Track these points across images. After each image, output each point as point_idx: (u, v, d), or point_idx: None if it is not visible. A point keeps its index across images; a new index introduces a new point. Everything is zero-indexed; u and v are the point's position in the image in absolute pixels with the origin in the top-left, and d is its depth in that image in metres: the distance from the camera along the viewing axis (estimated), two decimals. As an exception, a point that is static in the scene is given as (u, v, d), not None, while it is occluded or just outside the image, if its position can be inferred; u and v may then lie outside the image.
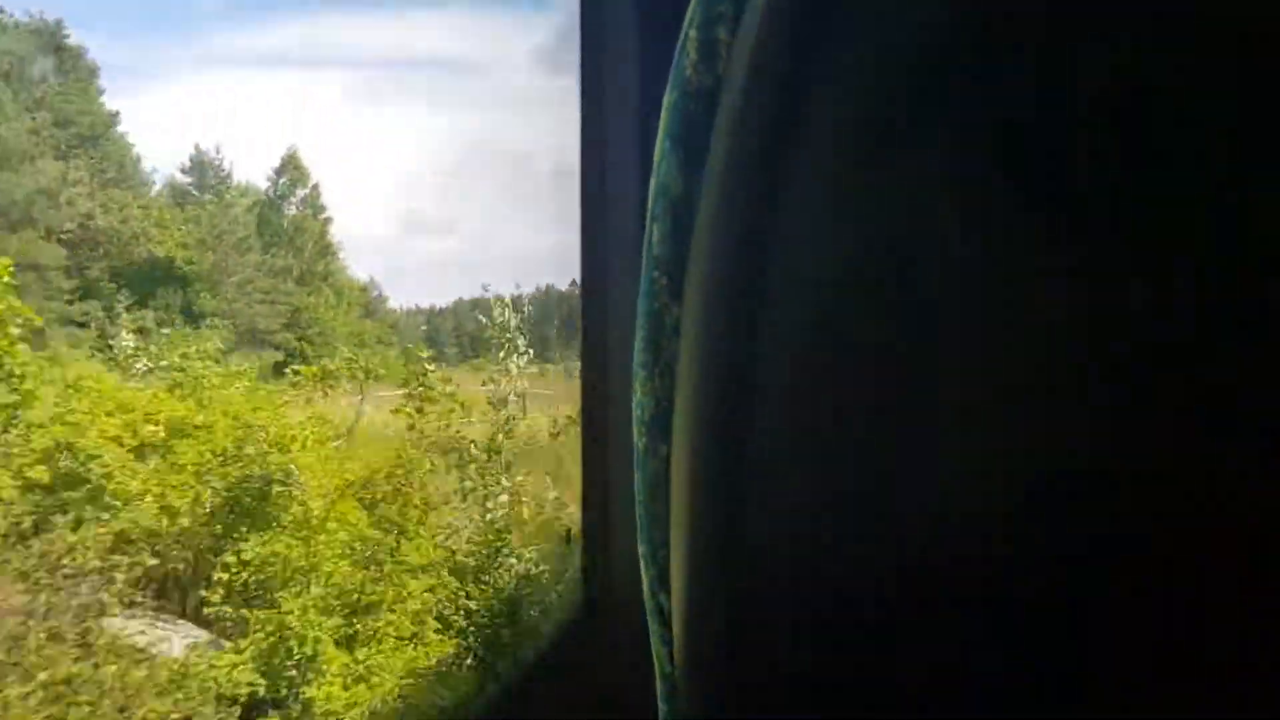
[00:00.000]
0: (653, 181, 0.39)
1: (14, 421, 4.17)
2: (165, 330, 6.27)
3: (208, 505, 4.62)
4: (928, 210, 0.30)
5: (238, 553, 4.51)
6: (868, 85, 0.31)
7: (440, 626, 4.59)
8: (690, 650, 0.37)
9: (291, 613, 4.32)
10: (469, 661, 4.41)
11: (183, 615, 4.58)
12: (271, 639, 4.28)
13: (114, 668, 3.62)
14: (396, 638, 4.50)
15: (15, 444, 4.14)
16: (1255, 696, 0.28)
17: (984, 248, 0.29)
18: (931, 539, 0.30)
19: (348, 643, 4.48)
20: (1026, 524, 0.29)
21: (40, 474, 4.11)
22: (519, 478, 5.60)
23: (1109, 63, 0.28)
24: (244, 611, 4.41)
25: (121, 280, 6.57)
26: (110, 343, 5.88)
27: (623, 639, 1.39)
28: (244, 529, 4.60)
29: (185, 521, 4.52)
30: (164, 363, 5.56)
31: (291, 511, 4.67)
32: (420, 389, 5.62)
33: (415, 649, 4.49)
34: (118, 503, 4.29)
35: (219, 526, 4.63)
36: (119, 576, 3.92)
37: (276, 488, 4.69)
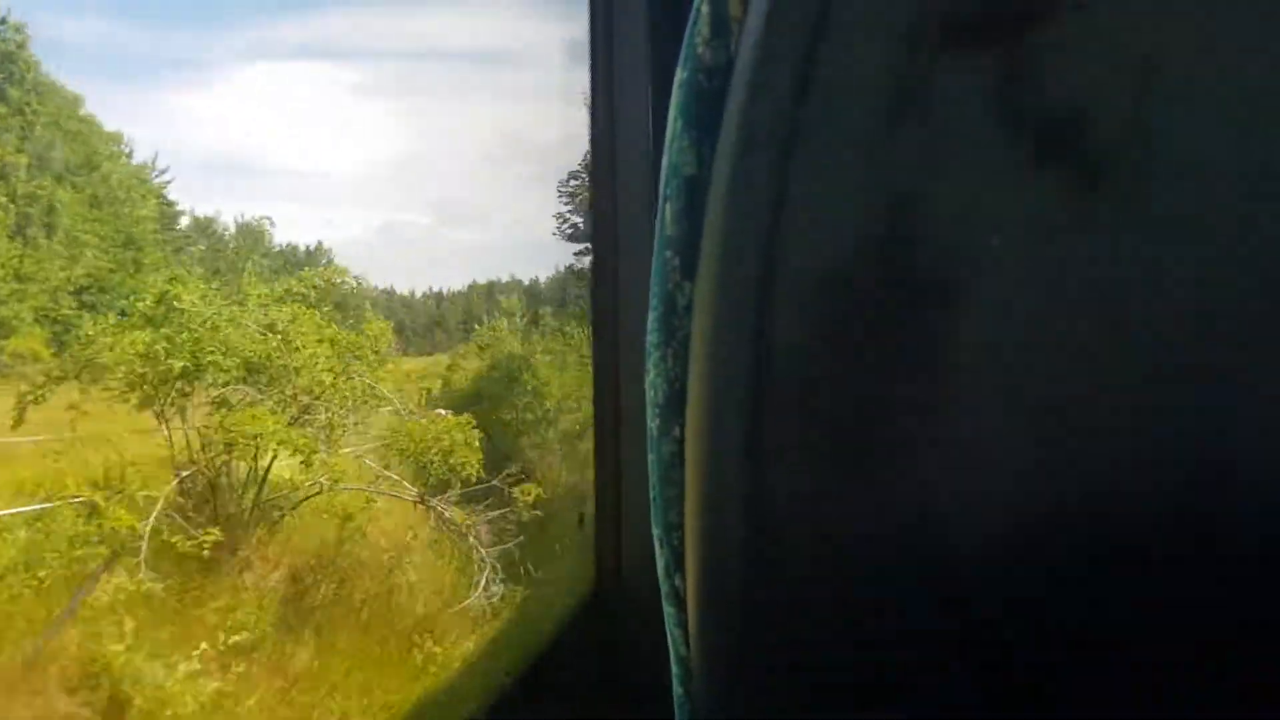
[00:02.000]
0: (664, 161, 0.39)
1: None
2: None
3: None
4: (937, 177, 0.30)
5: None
6: (877, 59, 0.31)
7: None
8: (706, 633, 0.37)
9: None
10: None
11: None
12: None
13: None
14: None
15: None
16: (1257, 697, 0.28)
17: (990, 214, 0.29)
18: (952, 518, 0.30)
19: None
20: (1045, 500, 0.29)
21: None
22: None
23: (1124, 18, 0.28)
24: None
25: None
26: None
27: (636, 622, 1.40)
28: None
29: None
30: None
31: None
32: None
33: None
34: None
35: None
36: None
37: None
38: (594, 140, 1.45)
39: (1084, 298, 0.28)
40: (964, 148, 0.29)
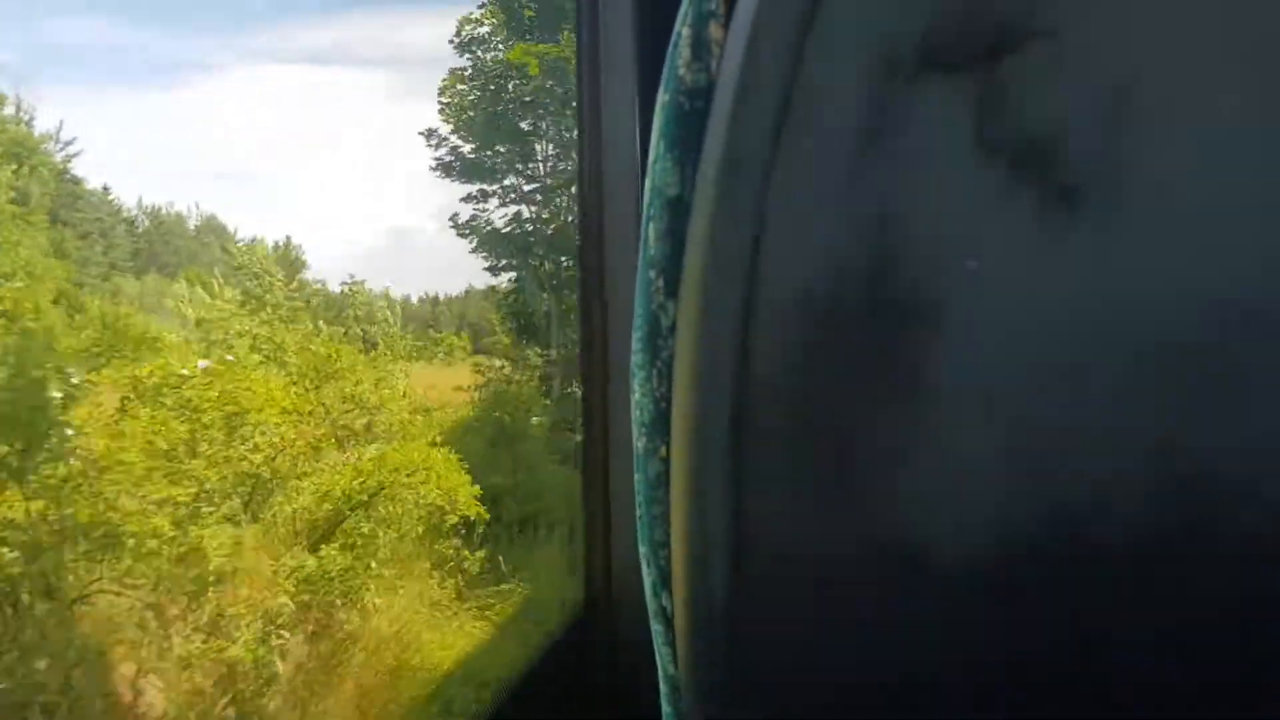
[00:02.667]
0: (647, 182, 0.39)
1: None
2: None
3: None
4: (916, 200, 0.30)
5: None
6: (856, 84, 0.31)
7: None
8: (693, 651, 0.37)
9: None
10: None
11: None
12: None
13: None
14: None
15: None
16: (1239, 703, 0.28)
17: (968, 234, 0.29)
18: (934, 537, 0.30)
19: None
20: (1025, 519, 0.29)
21: None
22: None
23: (1096, 46, 0.28)
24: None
25: None
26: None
27: (623, 641, 1.39)
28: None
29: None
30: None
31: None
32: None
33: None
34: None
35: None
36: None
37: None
38: (581, 161, 1.46)
39: (1060, 317, 0.28)
40: (941, 171, 0.30)
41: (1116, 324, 0.28)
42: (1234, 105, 0.27)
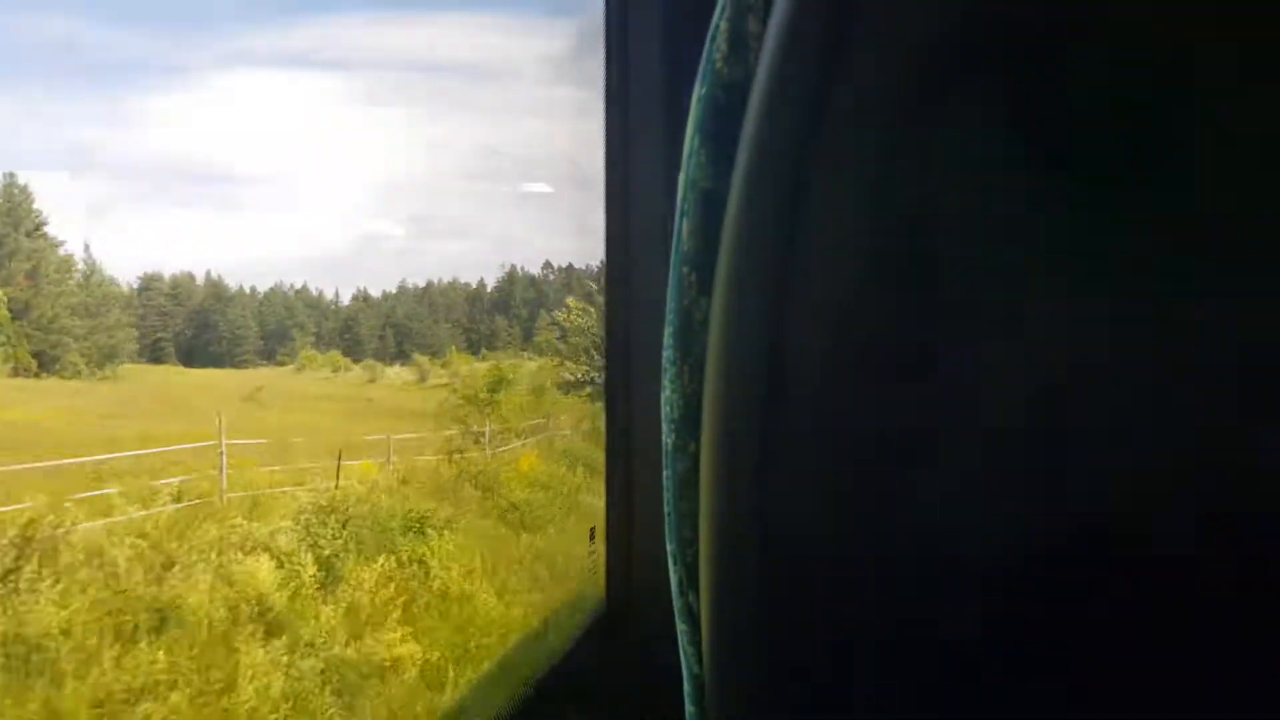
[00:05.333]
0: (681, 176, 0.39)
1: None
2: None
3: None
4: (952, 196, 0.30)
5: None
6: (893, 77, 0.31)
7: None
8: (719, 650, 0.36)
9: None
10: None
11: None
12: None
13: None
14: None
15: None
16: (1256, 698, 0.28)
17: (1007, 228, 0.29)
18: (966, 538, 0.30)
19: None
20: (1063, 518, 0.29)
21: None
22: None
23: (1139, 42, 0.28)
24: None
25: None
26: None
27: (647, 639, 1.40)
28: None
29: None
30: None
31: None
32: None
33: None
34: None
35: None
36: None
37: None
38: (608, 155, 1.46)
39: (1099, 317, 0.28)
40: (978, 169, 0.29)
41: (1156, 324, 0.27)
42: None
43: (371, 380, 11.56)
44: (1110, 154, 0.28)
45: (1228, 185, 0.27)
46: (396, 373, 11.57)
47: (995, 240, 0.29)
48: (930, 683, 0.31)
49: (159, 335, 11.57)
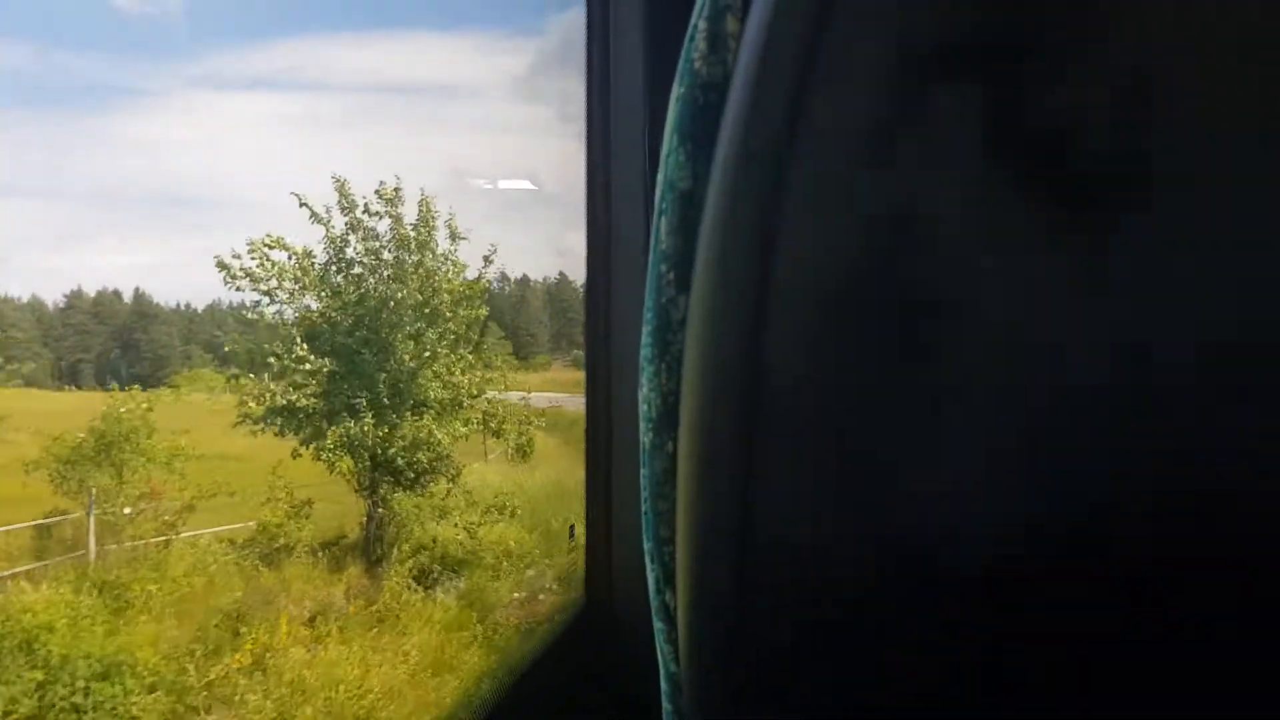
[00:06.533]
0: (659, 176, 0.39)
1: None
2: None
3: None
4: (930, 197, 0.30)
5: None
6: (872, 80, 0.31)
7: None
8: (695, 649, 0.36)
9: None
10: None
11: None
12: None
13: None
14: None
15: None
16: (1253, 697, 0.28)
17: (982, 233, 0.29)
18: (942, 536, 0.30)
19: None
20: (1037, 516, 0.29)
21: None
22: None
23: (1112, 56, 0.28)
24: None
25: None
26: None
27: (626, 637, 1.39)
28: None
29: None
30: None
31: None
32: None
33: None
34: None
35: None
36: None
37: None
38: (590, 156, 1.46)
39: (1075, 316, 0.28)
40: (955, 169, 0.30)
41: (1130, 325, 0.28)
42: (1251, 103, 0.27)
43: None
44: (1083, 157, 0.28)
45: (1194, 190, 0.27)
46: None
47: (972, 240, 0.29)
48: (907, 680, 0.31)
49: (79, 356, 10.89)
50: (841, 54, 0.31)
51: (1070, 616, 0.29)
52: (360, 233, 7.27)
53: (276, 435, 7.26)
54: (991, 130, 0.29)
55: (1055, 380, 0.29)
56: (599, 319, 1.46)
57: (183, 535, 6.57)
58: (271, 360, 7.19)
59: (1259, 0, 0.28)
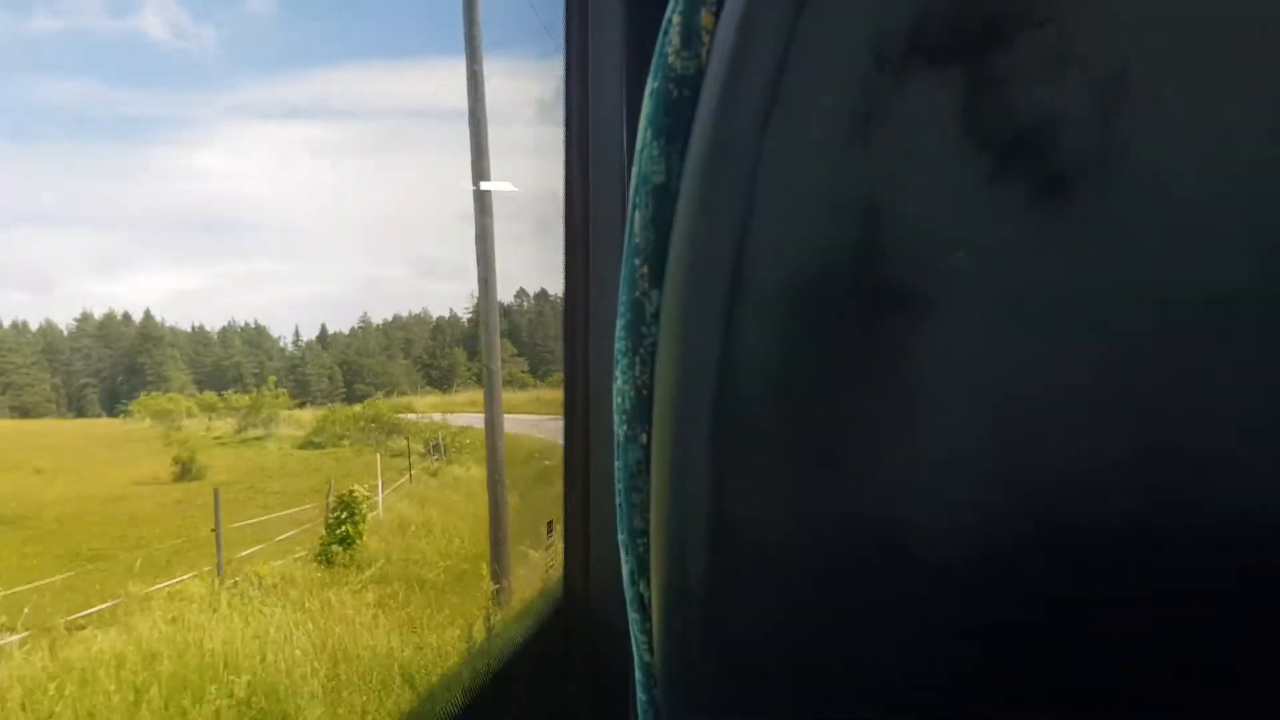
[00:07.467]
0: (634, 169, 0.39)
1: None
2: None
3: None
4: (904, 190, 0.30)
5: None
6: (845, 73, 0.31)
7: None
8: (669, 639, 0.37)
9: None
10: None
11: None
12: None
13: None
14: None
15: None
16: (1251, 697, 0.28)
17: (956, 227, 0.29)
18: (916, 526, 0.30)
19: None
20: (1008, 509, 0.29)
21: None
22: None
23: (1089, 49, 0.28)
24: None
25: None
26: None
27: (603, 629, 1.40)
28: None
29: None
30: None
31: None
32: None
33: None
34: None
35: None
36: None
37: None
38: (568, 151, 1.45)
39: (1050, 311, 0.29)
40: (930, 161, 0.30)
41: (1105, 316, 0.28)
42: (1227, 97, 0.27)
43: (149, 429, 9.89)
44: (1059, 151, 0.28)
45: (1172, 186, 0.28)
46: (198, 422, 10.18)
47: (947, 233, 0.30)
48: (880, 673, 0.32)
49: (85, 381, 10.72)
50: (816, 48, 0.31)
51: (1043, 609, 0.29)
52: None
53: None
54: (966, 123, 0.29)
55: (1030, 370, 0.29)
56: (577, 314, 1.45)
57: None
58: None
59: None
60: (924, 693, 0.31)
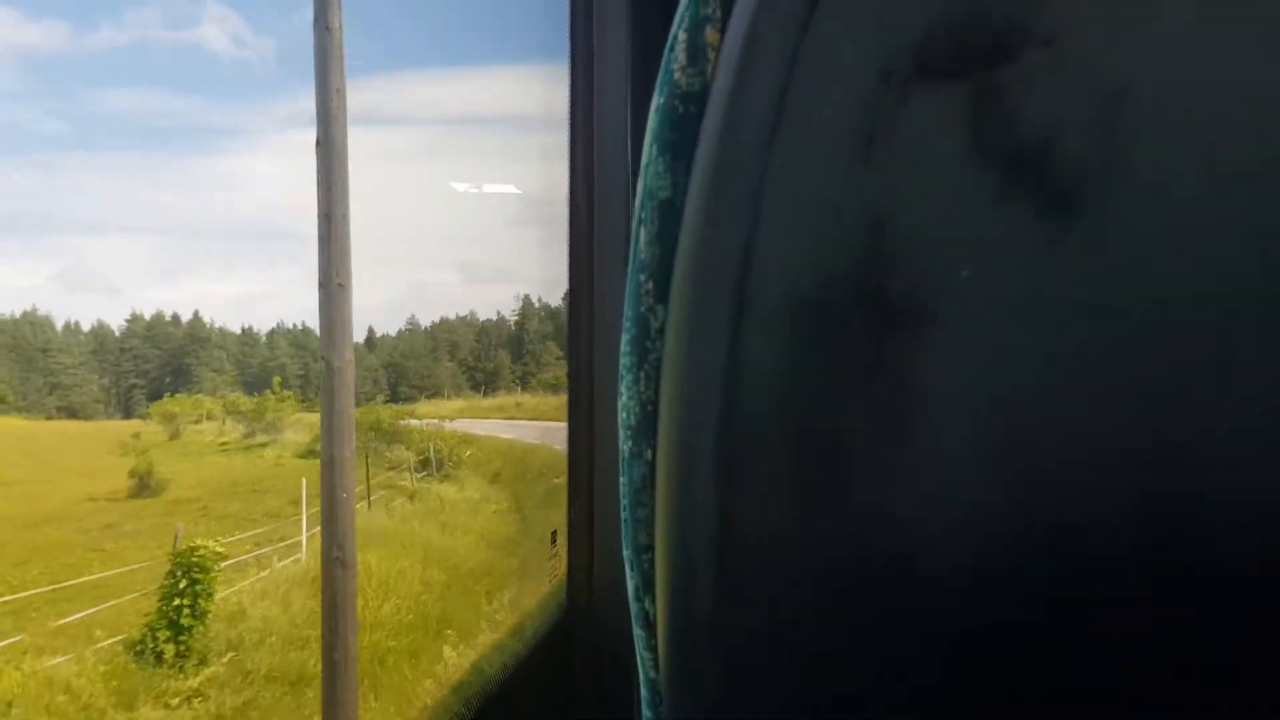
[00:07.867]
0: (639, 185, 0.39)
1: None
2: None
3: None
4: (909, 206, 0.30)
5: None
6: (851, 89, 0.31)
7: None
8: (675, 656, 0.36)
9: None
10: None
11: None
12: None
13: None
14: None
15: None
16: (1250, 697, 0.28)
17: (961, 241, 0.29)
18: (922, 542, 0.30)
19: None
20: (1013, 525, 0.29)
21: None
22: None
23: (1092, 52, 0.29)
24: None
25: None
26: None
27: (606, 645, 1.39)
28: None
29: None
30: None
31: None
32: None
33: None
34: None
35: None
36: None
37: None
38: (573, 165, 1.46)
39: (1053, 324, 0.29)
40: (935, 177, 0.30)
41: (1110, 329, 0.28)
42: (1230, 109, 0.28)
43: (135, 435, 9.49)
44: (1064, 164, 0.28)
45: (1175, 197, 0.28)
46: (202, 428, 9.94)
47: (952, 248, 0.30)
48: (888, 686, 0.32)
49: (133, 382, 10.64)
50: (821, 64, 0.31)
51: (1049, 617, 0.29)
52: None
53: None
54: (971, 138, 0.29)
55: (1036, 384, 0.29)
56: (581, 327, 1.46)
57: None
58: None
59: (1233, 5, 0.28)
60: (934, 710, 0.31)
